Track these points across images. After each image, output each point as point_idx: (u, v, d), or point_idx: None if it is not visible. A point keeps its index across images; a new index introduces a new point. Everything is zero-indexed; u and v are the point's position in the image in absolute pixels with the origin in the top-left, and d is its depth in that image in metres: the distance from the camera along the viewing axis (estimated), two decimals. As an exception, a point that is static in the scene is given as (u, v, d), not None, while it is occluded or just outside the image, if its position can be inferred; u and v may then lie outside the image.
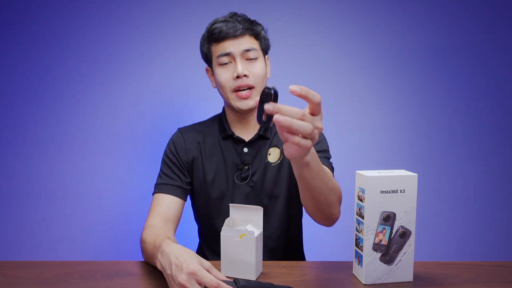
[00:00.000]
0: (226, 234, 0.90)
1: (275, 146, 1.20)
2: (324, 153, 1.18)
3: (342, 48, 1.90)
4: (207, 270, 0.78)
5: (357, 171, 0.90)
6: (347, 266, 0.98)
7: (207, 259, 1.23)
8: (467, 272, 0.96)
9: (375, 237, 0.88)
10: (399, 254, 0.89)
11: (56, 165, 1.87)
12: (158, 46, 1.86)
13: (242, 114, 1.18)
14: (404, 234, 0.89)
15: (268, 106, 0.69)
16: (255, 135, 1.19)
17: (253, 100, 1.13)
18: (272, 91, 0.70)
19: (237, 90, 1.12)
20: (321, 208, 0.94)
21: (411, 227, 0.89)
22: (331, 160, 1.23)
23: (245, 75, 1.11)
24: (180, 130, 1.26)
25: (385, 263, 0.89)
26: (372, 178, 0.86)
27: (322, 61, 1.90)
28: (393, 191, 0.87)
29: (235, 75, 1.11)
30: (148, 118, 1.88)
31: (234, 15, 1.16)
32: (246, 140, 1.19)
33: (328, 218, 0.99)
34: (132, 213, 1.89)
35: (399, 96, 1.93)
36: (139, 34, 1.85)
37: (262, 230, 0.93)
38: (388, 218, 0.87)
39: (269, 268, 0.97)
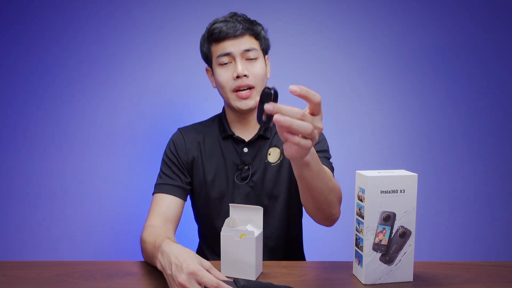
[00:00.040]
0: (226, 234, 0.90)
1: (275, 146, 1.20)
2: (324, 153, 1.18)
3: (342, 48, 1.90)
4: (207, 270, 0.78)
5: (357, 171, 0.90)
6: (347, 266, 0.98)
7: (207, 259, 1.23)
8: (467, 272, 0.96)
9: (375, 237, 0.88)
10: (399, 254, 0.89)
11: (56, 165, 1.87)
12: (158, 46, 1.86)
13: (242, 114, 1.18)
14: (404, 234, 0.89)
15: (268, 106, 0.69)
16: (255, 135, 1.19)
17: (253, 100, 1.13)
18: (272, 91, 0.70)
19: (237, 90, 1.12)
20: (321, 208, 0.94)
21: (411, 227, 0.89)
22: (331, 160, 1.23)
23: (245, 75, 1.11)
24: (180, 130, 1.26)
25: (385, 263, 0.89)
26: (372, 178, 0.86)
27: (322, 61, 1.90)
28: (393, 191, 0.87)
29: (235, 75, 1.11)
30: (148, 118, 1.88)
31: (234, 15, 1.16)
32: (246, 140, 1.19)
33: (328, 218, 0.99)
34: (132, 213, 1.89)
35: (399, 96, 1.93)
36: (139, 34, 1.85)
37: (262, 230, 0.93)
38: (388, 218, 0.87)
39: (269, 268, 0.97)
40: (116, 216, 1.89)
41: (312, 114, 0.72)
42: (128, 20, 1.84)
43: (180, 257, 0.78)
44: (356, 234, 0.92)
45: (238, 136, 1.19)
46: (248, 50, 1.12)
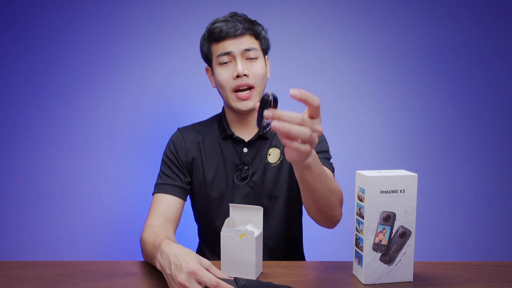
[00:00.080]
0: (226, 234, 0.90)
1: (275, 146, 1.20)
2: (324, 154, 1.18)
3: (342, 48, 1.90)
4: (207, 269, 0.78)
5: (357, 171, 0.90)
6: (347, 266, 0.98)
7: (207, 259, 1.23)
8: (467, 272, 0.96)
9: (375, 237, 0.88)
10: (399, 254, 0.89)
11: (56, 165, 1.87)
12: (158, 46, 1.86)
13: (242, 115, 1.18)
14: (404, 234, 0.89)
15: (267, 113, 0.69)
16: (255, 135, 1.19)
17: (253, 101, 1.13)
18: (271, 98, 0.71)
19: (237, 90, 1.12)
20: (323, 210, 0.94)
21: (411, 227, 0.89)
22: (331, 160, 1.23)
23: (245, 75, 1.11)
24: (180, 130, 1.26)
25: (385, 263, 0.89)
26: (372, 178, 0.86)
27: (322, 61, 1.90)
28: (393, 191, 0.87)
29: (235, 74, 1.11)
30: (148, 118, 1.88)
31: (234, 15, 1.16)
32: (246, 140, 1.19)
33: (329, 220, 0.99)
34: (132, 213, 1.89)
35: (399, 96, 1.93)
36: (139, 34, 1.85)
37: (262, 230, 0.93)
38: (388, 218, 0.87)
39: (269, 268, 0.97)
40: (116, 216, 1.89)
41: (311, 117, 0.73)
42: (128, 20, 1.84)
43: (179, 256, 0.78)
44: (356, 234, 0.92)
45: (238, 136, 1.19)
46: (248, 50, 1.12)
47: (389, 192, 0.87)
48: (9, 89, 1.85)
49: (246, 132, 1.21)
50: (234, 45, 1.12)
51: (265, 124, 0.73)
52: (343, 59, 1.90)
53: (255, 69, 1.13)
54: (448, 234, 1.96)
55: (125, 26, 1.85)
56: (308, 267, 0.98)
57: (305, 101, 0.70)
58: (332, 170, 1.17)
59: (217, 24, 1.12)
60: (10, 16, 1.82)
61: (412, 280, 0.91)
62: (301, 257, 1.32)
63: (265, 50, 1.20)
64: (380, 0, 1.88)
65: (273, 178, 1.18)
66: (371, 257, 0.88)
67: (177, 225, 1.15)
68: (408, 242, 0.89)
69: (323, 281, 0.90)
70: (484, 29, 1.90)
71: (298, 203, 1.24)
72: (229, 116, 1.21)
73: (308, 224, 1.31)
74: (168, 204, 1.12)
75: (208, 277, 0.74)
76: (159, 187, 1.15)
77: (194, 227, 1.32)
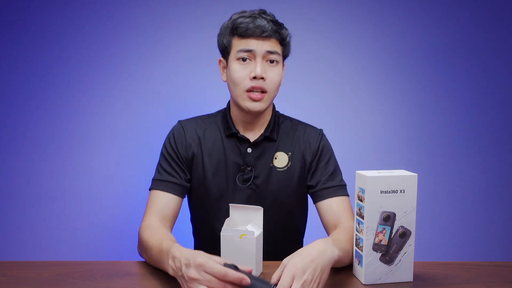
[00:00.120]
0: (226, 234, 0.90)
1: (283, 151, 1.17)
2: (335, 179, 1.15)
3: (342, 48, 1.90)
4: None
5: (357, 171, 0.90)
6: (347, 266, 0.98)
7: None
8: (467, 272, 0.96)
9: (375, 237, 0.88)
10: (399, 254, 0.89)
11: (56, 165, 1.87)
12: (158, 46, 1.86)
13: (249, 114, 1.14)
14: (404, 234, 0.89)
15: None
16: (260, 136, 1.16)
17: (264, 104, 1.10)
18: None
19: (249, 90, 1.09)
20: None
21: (411, 227, 0.89)
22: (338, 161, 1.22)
23: (262, 78, 1.07)
24: (180, 122, 1.21)
25: (385, 263, 0.89)
26: (372, 178, 0.86)
27: (322, 61, 1.90)
28: (393, 191, 0.87)
29: (252, 75, 1.07)
30: (148, 118, 1.88)
31: (263, 12, 1.11)
32: (251, 140, 1.16)
33: None
34: (132, 213, 1.89)
35: (399, 96, 1.93)
36: (139, 34, 1.85)
37: (262, 230, 0.93)
38: (388, 218, 0.87)
39: (269, 268, 0.97)
40: (116, 216, 1.89)
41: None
42: (128, 20, 1.84)
43: (189, 256, 0.78)
44: (356, 234, 0.92)
45: (243, 135, 1.15)
46: (270, 52, 1.09)
47: (389, 192, 0.86)
48: (9, 89, 1.85)
49: (252, 132, 1.17)
50: (258, 45, 1.08)
51: None
52: (343, 59, 1.90)
53: (273, 75, 1.10)
54: (448, 234, 1.96)
55: (125, 26, 1.84)
56: (308, 267, 0.98)
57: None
58: (347, 194, 1.15)
59: (244, 20, 1.08)
60: (10, 16, 1.82)
61: (412, 280, 0.91)
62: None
63: (285, 56, 1.17)
64: (380, 0, 1.88)
65: (279, 183, 1.16)
66: (371, 257, 0.88)
67: (174, 223, 1.13)
68: (408, 242, 0.89)
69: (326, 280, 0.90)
70: (484, 29, 1.90)
71: (303, 207, 1.24)
72: (235, 114, 1.17)
73: (308, 224, 1.31)
74: (166, 202, 1.10)
75: (216, 268, 0.74)
76: (157, 184, 1.12)
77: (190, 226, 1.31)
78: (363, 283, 0.89)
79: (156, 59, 1.86)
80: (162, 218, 1.08)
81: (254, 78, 1.07)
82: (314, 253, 0.80)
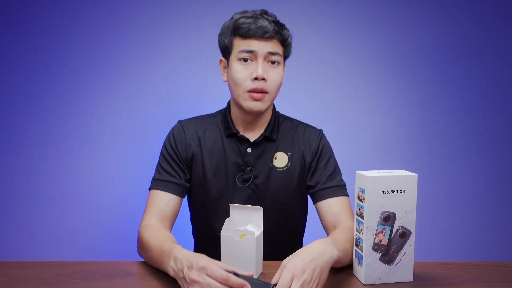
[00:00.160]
0: (226, 234, 0.90)
1: (283, 151, 1.17)
2: (335, 179, 1.15)
3: (342, 48, 1.90)
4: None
5: (357, 171, 0.90)
6: (347, 266, 0.98)
7: None
8: (467, 272, 0.96)
9: (375, 237, 0.88)
10: (399, 254, 0.89)
11: (56, 165, 1.87)
12: (158, 46, 1.86)
13: (249, 114, 1.14)
14: (404, 234, 0.89)
15: None
16: (260, 136, 1.16)
17: (264, 104, 1.10)
18: None
19: (251, 91, 1.09)
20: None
21: (411, 227, 0.89)
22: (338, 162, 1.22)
23: (263, 79, 1.08)
24: (180, 122, 1.21)
25: (385, 263, 0.89)
26: (372, 178, 0.86)
27: (322, 61, 1.90)
28: (393, 191, 0.87)
29: (253, 75, 1.07)
30: (148, 118, 1.88)
31: (265, 13, 1.11)
32: (251, 140, 1.16)
33: None
34: (132, 213, 1.89)
35: (399, 96, 1.93)
36: (139, 34, 1.85)
37: (262, 230, 0.93)
38: (388, 218, 0.87)
39: (269, 268, 0.97)
40: (116, 216, 1.89)
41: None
42: (128, 20, 1.84)
43: (192, 258, 0.79)
44: (356, 234, 0.92)
45: (242, 135, 1.15)
46: (272, 54, 1.09)
47: (389, 192, 0.86)
48: (9, 89, 1.84)
49: (252, 132, 1.17)
50: (260, 46, 1.08)
51: None
52: (343, 59, 1.90)
53: (274, 76, 1.10)
54: (448, 234, 1.96)
55: (125, 26, 1.84)
56: (308, 267, 0.98)
57: None
58: (346, 194, 1.15)
59: (246, 20, 1.08)
60: (10, 16, 1.82)
61: (412, 280, 0.91)
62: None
63: (286, 57, 1.17)
64: (380, 0, 1.88)
65: (279, 183, 1.16)
66: (371, 257, 0.88)
67: (173, 223, 1.13)
68: (408, 242, 0.89)
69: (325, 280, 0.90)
70: (484, 29, 1.90)
71: (303, 207, 1.24)
72: (235, 113, 1.17)
73: (308, 224, 1.31)
74: (166, 203, 1.10)
75: (218, 272, 0.75)
76: (157, 183, 1.12)
77: (190, 226, 1.31)
78: (363, 283, 0.89)
79: (156, 59, 1.86)
80: (162, 218, 1.08)
81: (256, 79, 1.07)
82: (314, 253, 0.81)
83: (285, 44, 1.13)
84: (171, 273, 0.85)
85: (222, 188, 1.16)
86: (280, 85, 1.14)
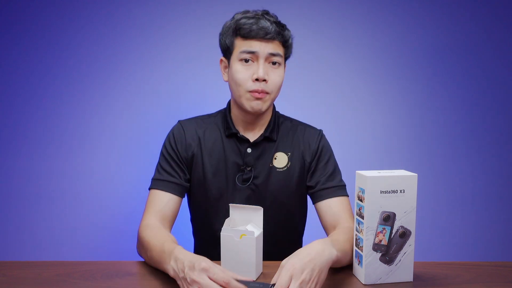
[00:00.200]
0: (226, 234, 0.90)
1: (282, 151, 1.18)
2: (335, 179, 1.15)
3: (342, 48, 1.90)
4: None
5: (357, 171, 0.90)
6: (347, 266, 0.98)
7: None
8: (467, 272, 0.96)
9: (375, 237, 0.88)
10: (399, 254, 0.89)
11: (56, 165, 1.87)
12: (158, 46, 1.86)
13: (250, 114, 1.14)
14: (404, 234, 0.89)
15: None
16: (260, 136, 1.16)
17: (265, 104, 1.10)
18: None
19: (252, 92, 1.09)
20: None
21: (411, 227, 0.89)
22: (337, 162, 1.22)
23: (264, 80, 1.07)
24: (180, 122, 1.21)
25: (385, 263, 0.89)
26: (372, 178, 0.86)
27: (322, 61, 1.90)
28: (393, 191, 0.87)
29: (254, 76, 1.07)
30: (148, 118, 1.88)
31: (266, 13, 1.11)
32: (251, 140, 1.16)
33: None
34: (132, 213, 1.89)
35: (399, 96, 1.93)
36: (139, 34, 1.85)
37: (262, 230, 0.93)
38: (388, 218, 0.87)
39: (269, 268, 0.97)
40: (116, 216, 1.89)
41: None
42: (128, 20, 1.84)
43: (194, 259, 0.80)
44: (356, 234, 0.92)
45: (242, 135, 1.15)
46: (273, 55, 1.09)
47: (389, 192, 0.86)
48: (9, 89, 1.85)
49: (252, 132, 1.17)
50: (261, 47, 1.07)
51: None
52: (343, 59, 1.90)
53: (275, 77, 1.10)
54: (448, 234, 1.96)
55: (125, 26, 1.84)
56: (308, 267, 0.98)
57: None
58: (346, 194, 1.15)
59: (248, 21, 1.07)
60: (10, 16, 1.82)
61: (412, 280, 0.91)
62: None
63: (287, 58, 1.17)
64: (380, 0, 1.88)
65: (279, 183, 1.16)
66: (371, 257, 0.88)
67: (173, 223, 1.13)
68: (408, 242, 0.89)
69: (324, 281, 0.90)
70: (484, 29, 1.90)
71: (303, 207, 1.24)
72: (235, 114, 1.17)
73: (308, 224, 1.31)
74: (166, 202, 1.10)
75: (220, 275, 0.76)
76: (157, 183, 1.12)
77: (190, 226, 1.31)
78: (363, 283, 0.89)
79: (156, 59, 1.86)
80: (162, 218, 1.08)
81: (257, 80, 1.07)
82: (313, 253, 0.81)
83: (286, 45, 1.13)
84: (171, 273, 0.85)
85: (222, 188, 1.16)
86: (281, 85, 1.13)
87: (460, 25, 1.90)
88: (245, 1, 1.87)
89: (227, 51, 1.14)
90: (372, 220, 0.87)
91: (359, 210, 0.89)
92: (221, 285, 0.75)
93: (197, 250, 1.28)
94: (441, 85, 1.92)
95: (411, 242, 0.89)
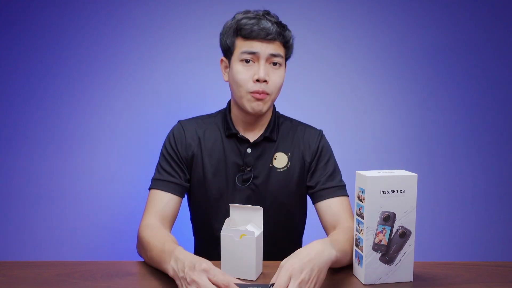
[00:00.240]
0: (226, 234, 0.90)
1: (282, 151, 1.18)
2: (335, 180, 1.15)
3: (342, 48, 1.90)
4: None
5: (357, 171, 0.90)
6: (347, 266, 0.98)
7: None
8: (467, 272, 0.96)
9: (375, 237, 0.88)
10: (399, 254, 0.89)
11: (56, 165, 1.87)
12: (158, 46, 1.86)
13: (250, 115, 1.14)
14: (404, 234, 0.89)
15: None
16: (260, 136, 1.16)
17: (266, 105, 1.10)
18: None
19: (253, 92, 1.09)
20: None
21: (411, 227, 0.89)
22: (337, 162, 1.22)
23: (264, 81, 1.07)
24: (180, 122, 1.21)
25: (385, 263, 0.89)
26: (372, 178, 0.86)
27: (322, 61, 1.90)
28: (393, 191, 0.87)
29: (255, 77, 1.07)
30: (148, 118, 1.88)
31: (267, 14, 1.11)
32: (251, 140, 1.16)
33: None
34: (132, 213, 1.89)
35: (399, 96, 1.93)
36: (139, 34, 1.85)
37: (262, 230, 0.93)
38: (388, 218, 0.87)
39: (269, 268, 0.97)
40: (116, 216, 1.89)
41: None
42: (128, 20, 1.84)
43: (194, 260, 0.80)
44: (356, 234, 0.92)
45: (242, 136, 1.15)
46: (274, 55, 1.09)
47: (389, 192, 0.86)
48: (9, 89, 1.85)
49: (252, 132, 1.17)
50: (262, 47, 1.07)
51: None
52: (343, 59, 1.90)
53: (275, 78, 1.10)
54: (448, 234, 1.96)
55: (125, 26, 1.84)
56: (308, 267, 0.98)
57: None
58: (346, 194, 1.15)
59: (248, 21, 1.07)
60: (10, 16, 1.82)
61: (412, 280, 0.91)
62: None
63: (287, 58, 1.17)
64: (380, 0, 1.88)
65: (279, 183, 1.16)
66: (371, 257, 0.88)
67: (173, 223, 1.13)
68: (408, 242, 0.89)
69: (323, 281, 0.90)
70: (484, 29, 1.90)
71: (302, 207, 1.24)
72: (235, 114, 1.17)
73: (308, 224, 1.31)
74: (166, 202, 1.10)
75: (220, 277, 0.76)
76: (157, 183, 1.12)
77: (191, 226, 1.31)
78: (363, 283, 0.89)
79: (156, 59, 1.86)
80: (162, 218, 1.08)
81: (257, 80, 1.07)
82: (312, 253, 0.81)
83: (287, 45, 1.13)
84: (170, 273, 0.85)
85: (222, 188, 1.16)
86: (281, 86, 1.13)
87: (460, 25, 1.90)
88: (245, 1, 1.87)
89: (227, 51, 1.13)
90: (372, 220, 0.87)
91: (359, 210, 0.89)
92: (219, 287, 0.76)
93: (197, 250, 1.28)
94: (441, 85, 1.92)
95: (411, 242, 0.89)
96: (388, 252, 0.89)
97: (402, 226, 0.88)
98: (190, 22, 1.85)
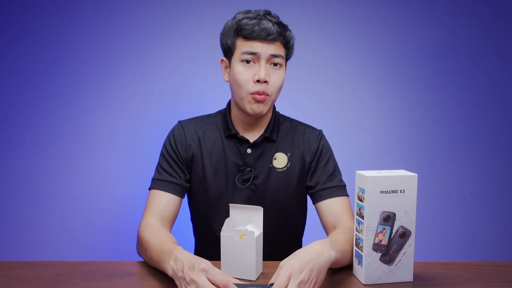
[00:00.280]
0: (226, 234, 0.90)
1: (282, 151, 1.18)
2: (335, 180, 1.15)
3: (342, 48, 1.90)
4: None
5: (357, 171, 0.90)
6: (347, 266, 0.98)
7: None
8: (467, 272, 0.96)
9: (375, 237, 0.88)
10: (399, 254, 0.89)
11: (56, 165, 1.87)
12: (158, 46, 1.86)
13: (250, 116, 1.13)
14: (404, 234, 0.89)
15: None
16: (260, 136, 1.16)
17: (266, 106, 1.10)
18: None
19: (253, 93, 1.08)
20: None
21: (411, 227, 0.89)
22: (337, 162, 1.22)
23: (265, 81, 1.07)
24: (180, 123, 1.21)
25: (385, 263, 0.89)
26: (372, 178, 0.86)
27: (322, 61, 1.90)
28: (393, 191, 0.87)
29: (256, 78, 1.07)
30: (148, 118, 1.88)
31: (268, 14, 1.11)
32: (251, 141, 1.16)
33: None
34: (132, 213, 1.89)
35: (399, 96, 1.93)
36: (139, 34, 1.85)
37: (262, 230, 0.93)
38: (388, 218, 0.87)
39: (269, 268, 0.97)
40: (116, 216, 1.89)
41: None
42: (128, 20, 1.84)
43: (193, 259, 0.80)
44: (356, 234, 0.92)
45: (242, 136, 1.15)
46: (275, 56, 1.08)
47: (389, 192, 0.86)
48: (9, 89, 1.85)
49: (251, 133, 1.17)
50: (263, 48, 1.07)
51: None
52: (343, 59, 1.90)
53: (276, 78, 1.09)
54: (448, 234, 1.96)
55: (125, 26, 1.84)
56: (308, 267, 0.98)
57: None
58: (346, 194, 1.15)
59: (249, 21, 1.07)
60: (10, 16, 1.82)
61: (412, 280, 0.91)
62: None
63: (288, 59, 1.17)
64: (380, 0, 1.88)
65: (279, 183, 1.16)
66: (371, 257, 0.88)
67: (173, 223, 1.13)
68: (408, 242, 0.89)
69: (323, 281, 0.90)
70: (484, 29, 1.90)
71: (302, 207, 1.24)
72: (235, 114, 1.17)
73: (308, 224, 1.31)
74: (166, 203, 1.10)
75: (219, 277, 0.76)
76: (157, 183, 1.12)
77: (191, 225, 1.31)
78: (363, 283, 0.89)
79: (156, 59, 1.86)
80: (162, 218, 1.08)
81: (258, 81, 1.07)
82: (312, 254, 0.81)
83: (288, 46, 1.13)
84: (170, 272, 0.85)
85: (221, 189, 1.16)
86: (281, 87, 1.13)
87: (460, 25, 1.90)
88: (246, 1, 1.87)
89: (228, 51, 1.13)
90: (372, 220, 0.87)
91: (359, 210, 0.89)
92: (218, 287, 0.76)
93: (198, 250, 1.28)
94: (441, 85, 1.92)
95: (411, 242, 0.89)
96: (388, 252, 0.89)
97: (402, 226, 0.88)
98: (190, 22, 1.85)
